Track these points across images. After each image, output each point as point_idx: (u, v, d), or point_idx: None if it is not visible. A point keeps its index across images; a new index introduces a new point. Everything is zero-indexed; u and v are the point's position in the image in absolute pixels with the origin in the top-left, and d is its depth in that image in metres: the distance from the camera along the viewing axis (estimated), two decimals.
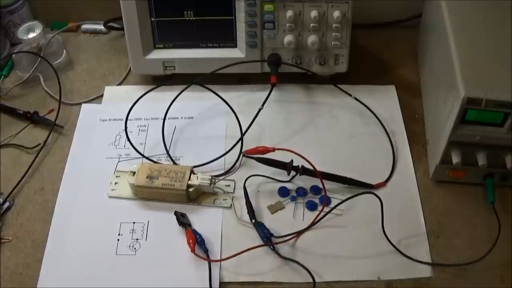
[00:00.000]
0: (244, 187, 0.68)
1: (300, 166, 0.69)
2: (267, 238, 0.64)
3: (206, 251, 0.64)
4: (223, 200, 0.70)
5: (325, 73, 0.82)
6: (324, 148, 0.76)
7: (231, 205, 0.69)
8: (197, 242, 0.64)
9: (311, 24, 0.76)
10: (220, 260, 0.63)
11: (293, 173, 0.70)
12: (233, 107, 0.76)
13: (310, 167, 0.69)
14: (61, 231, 0.68)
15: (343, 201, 0.66)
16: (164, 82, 0.81)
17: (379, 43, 0.92)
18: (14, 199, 0.73)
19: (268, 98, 0.75)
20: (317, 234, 0.67)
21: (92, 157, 0.76)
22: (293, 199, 0.70)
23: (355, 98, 0.80)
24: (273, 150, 0.70)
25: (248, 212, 0.67)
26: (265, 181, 0.71)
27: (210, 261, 0.63)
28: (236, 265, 0.63)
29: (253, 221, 0.66)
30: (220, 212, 0.69)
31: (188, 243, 0.64)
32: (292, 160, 0.69)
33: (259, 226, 0.66)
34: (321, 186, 0.69)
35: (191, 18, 0.79)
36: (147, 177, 0.68)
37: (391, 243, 0.65)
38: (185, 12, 0.79)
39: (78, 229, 0.68)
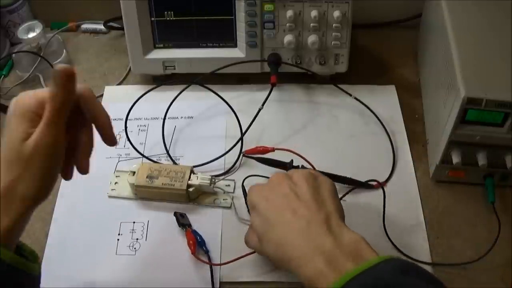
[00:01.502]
0: (243, 186, 0.68)
1: (300, 166, 0.69)
2: None
3: (207, 252, 0.64)
4: (223, 200, 0.70)
5: (325, 73, 0.82)
6: (324, 147, 0.76)
7: (231, 204, 0.69)
8: (198, 243, 0.64)
9: (311, 24, 0.76)
10: (220, 264, 0.63)
11: None
12: (233, 107, 0.76)
13: (310, 167, 0.69)
14: (61, 231, 0.68)
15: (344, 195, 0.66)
16: (164, 82, 0.81)
17: (379, 43, 0.92)
18: None
19: (268, 98, 0.75)
20: None
21: (92, 157, 0.76)
22: None
23: (355, 98, 0.80)
24: (273, 150, 0.70)
25: (248, 211, 0.67)
26: (265, 181, 0.71)
27: (212, 265, 0.63)
28: (237, 265, 0.63)
29: None
30: (220, 212, 0.69)
31: (189, 244, 0.64)
32: (292, 160, 0.69)
33: None
34: None
35: (191, 18, 0.79)
36: (147, 177, 0.68)
37: (390, 240, 0.65)
38: (185, 12, 0.79)
39: (78, 229, 0.68)
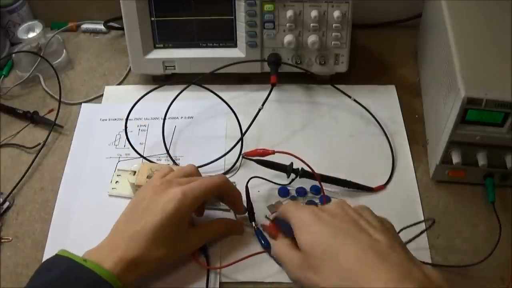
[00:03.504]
0: (246, 187, 0.68)
1: (300, 169, 0.69)
2: (265, 246, 0.64)
3: (206, 256, 0.64)
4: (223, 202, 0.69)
5: (325, 73, 0.82)
6: (324, 148, 0.76)
7: None
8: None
9: (311, 24, 0.76)
10: (219, 268, 0.63)
11: (292, 175, 0.70)
12: (233, 107, 0.76)
13: (309, 169, 0.68)
14: (61, 231, 0.68)
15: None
16: (165, 82, 0.81)
17: (379, 43, 0.92)
18: (14, 199, 0.73)
19: (268, 98, 0.75)
20: None
21: (92, 157, 0.76)
22: (293, 199, 0.70)
23: (354, 100, 0.80)
24: (273, 153, 0.70)
25: (248, 213, 0.67)
26: (266, 181, 0.71)
27: (209, 269, 0.63)
28: (236, 265, 0.63)
29: (253, 223, 0.66)
30: (220, 214, 0.69)
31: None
32: (292, 163, 0.69)
33: (258, 234, 0.65)
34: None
35: (191, 18, 0.79)
36: (147, 177, 0.68)
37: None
38: (185, 12, 0.79)
39: (78, 229, 0.68)
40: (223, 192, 0.63)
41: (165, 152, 0.76)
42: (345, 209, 0.53)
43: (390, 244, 0.46)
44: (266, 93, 0.76)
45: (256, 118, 0.74)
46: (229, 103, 0.76)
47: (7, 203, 0.72)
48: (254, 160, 0.71)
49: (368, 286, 0.43)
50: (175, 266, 0.63)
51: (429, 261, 0.64)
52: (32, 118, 0.82)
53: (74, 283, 0.53)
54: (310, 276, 0.49)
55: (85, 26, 0.97)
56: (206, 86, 0.78)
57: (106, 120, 0.81)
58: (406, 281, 0.42)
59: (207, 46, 0.82)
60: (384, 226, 0.51)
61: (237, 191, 0.65)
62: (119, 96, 0.85)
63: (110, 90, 0.86)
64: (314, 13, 0.75)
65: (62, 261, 0.55)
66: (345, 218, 0.51)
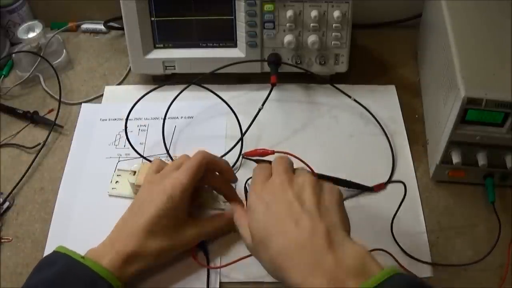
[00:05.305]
0: (245, 187, 0.68)
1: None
2: None
3: (206, 254, 0.64)
4: (223, 201, 0.69)
5: (325, 73, 0.82)
6: (324, 148, 0.76)
7: None
8: (198, 245, 0.64)
9: (311, 24, 0.76)
10: (219, 267, 0.63)
11: None
12: (233, 107, 0.76)
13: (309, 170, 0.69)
14: (61, 231, 0.68)
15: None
16: (165, 82, 0.81)
17: (379, 43, 0.92)
18: (14, 199, 0.73)
19: (268, 98, 0.75)
20: None
21: (92, 157, 0.76)
22: None
23: (355, 100, 0.80)
24: (273, 153, 0.70)
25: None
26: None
27: (209, 268, 0.63)
28: (237, 264, 0.63)
29: None
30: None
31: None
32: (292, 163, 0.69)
33: None
34: None
35: (191, 18, 0.79)
36: None
37: (396, 241, 0.65)
38: (185, 12, 0.79)
39: (78, 229, 0.68)
40: (209, 166, 0.63)
41: (165, 152, 0.76)
42: (284, 186, 0.54)
43: (312, 232, 0.49)
44: (266, 93, 0.76)
45: (256, 118, 0.75)
46: (229, 103, 0.76)
47: (7, 203, 0.72)
48: (254, 160, 0.70)
49: (287, 278, 0.48)
50: (175, 266, 0.63)
51: (429, 261, 0.64)
52: (32, 118, 0.82)
53: (72, 280, 0.54)
54: (256, 255, 0.55)
55: (85, 26, 0.97)
56: (206, 86, 0.78)
57: (106, 120, 0.81)
58: (317, 272, 0.46)
59: (207, 46, 0.82)
60: (317, 206, 0.51)
61: (222, 160, 0.65)
62: (119, 96, 0.85)
63: (110, 90, 0.86)
64: (314, 13, 0.75)
65: (60, 258, 0.56)
66: (281, 199, 0.53)
